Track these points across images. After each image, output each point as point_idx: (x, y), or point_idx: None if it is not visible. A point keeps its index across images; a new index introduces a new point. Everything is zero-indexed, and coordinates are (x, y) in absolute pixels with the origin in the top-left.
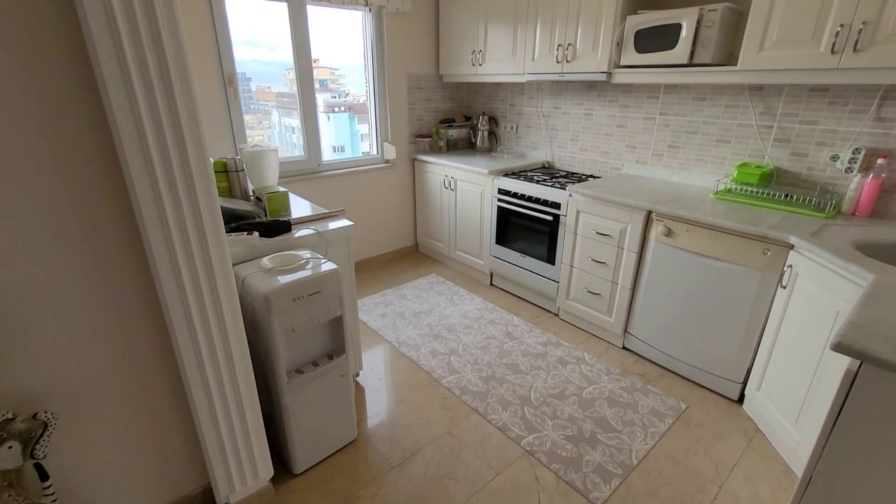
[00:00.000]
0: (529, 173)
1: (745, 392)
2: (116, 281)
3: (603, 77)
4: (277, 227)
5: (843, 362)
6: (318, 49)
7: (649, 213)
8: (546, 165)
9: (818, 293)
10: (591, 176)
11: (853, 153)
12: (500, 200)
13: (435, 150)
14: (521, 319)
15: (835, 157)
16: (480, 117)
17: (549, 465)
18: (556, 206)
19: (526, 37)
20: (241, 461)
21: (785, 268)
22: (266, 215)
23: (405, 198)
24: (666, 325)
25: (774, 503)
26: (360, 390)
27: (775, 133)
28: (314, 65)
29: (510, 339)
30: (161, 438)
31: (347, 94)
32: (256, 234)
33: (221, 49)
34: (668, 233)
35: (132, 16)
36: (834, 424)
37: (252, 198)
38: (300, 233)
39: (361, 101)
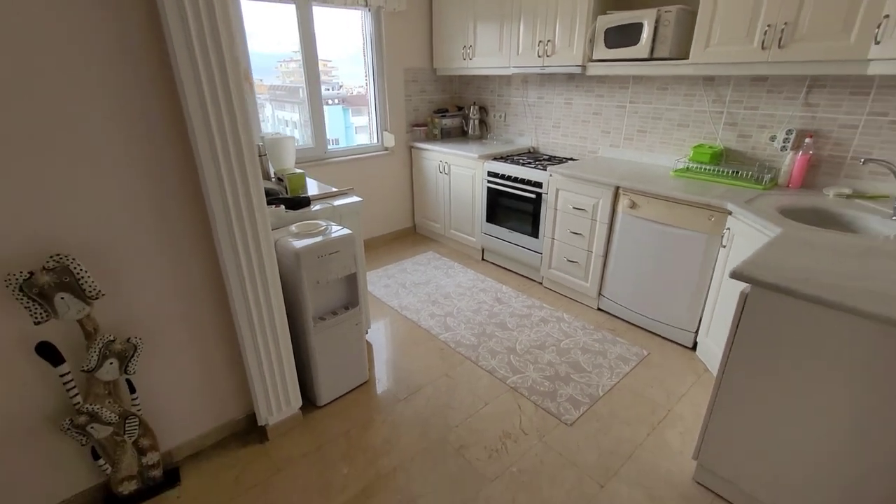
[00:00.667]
0: (516, 157)
1: (698, 339)
2: (182, 238)
3: (579, 70)
4: (300, 201)
5: None
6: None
7: (617, 188)
8: (531, 150)
9: (747, 248)
10: (571, 159)
11: (787, 134)
12: (489, 182)
13: (430, 137)
14: (509, 288)
15: (773, 138)
16: (472, 107)
17: (529, 396)
18: (539, 185)
19: (511, 33)
20: (278, 391)
21: (724, 230)
22: (287, 193)
23: (404, 182)
24: (633, 286)
25: None
26: (369, 346)
27: (725, 118)
28: None
29: (499, 304)
30: (215, 369)
31: (341, 87)
32: (283, 206)
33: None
34: (633, 205)
35: (202, 34)
36: (735, 332)
37: (273, 179)
38: (317, 206)
39: (355, 93)
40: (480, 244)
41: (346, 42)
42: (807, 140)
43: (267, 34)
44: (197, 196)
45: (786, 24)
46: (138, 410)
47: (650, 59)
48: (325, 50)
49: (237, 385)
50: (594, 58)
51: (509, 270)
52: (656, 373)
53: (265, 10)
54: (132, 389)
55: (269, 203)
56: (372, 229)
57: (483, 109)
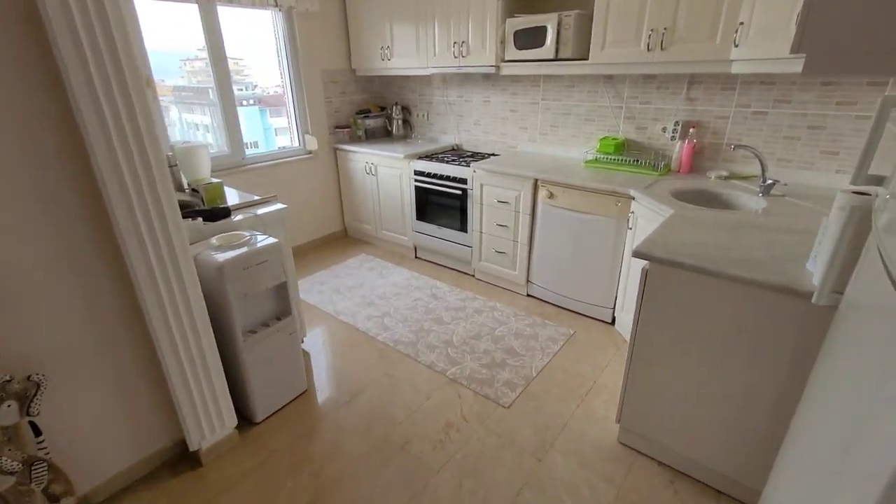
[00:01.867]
0: (441, 155)
1: (616, 315)
2: (91, 262)
3: (493, 70)
4: (218, 212)
5: None
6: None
7: (536, 180)
8: (455, 148)
9: (648, 229)
10: (493, 154)
11: (675, 125)
12: (416, 181)
13: (354, 139)
14: (443, 283)
15: (664, 129)
16: (394, 107)
17: (468, 385)
18: (464, 181)
19: (427, 35)
20: (210, 412)
21: (629, 214)
22: (204, 204)
23: (330, 186)
24: (556, 271)
25: None
26: (306, 354)
27: (624, 112)
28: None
29: (434, 300)
30: (137, 397)
31: (255, 87)
32: (200, 219)
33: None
34: (551, 196)
35: (93, 35)
36: (641, 303)
37: (188, 190)
38: (239, 216)
39: (271, 92)
40: (412, 242)
41: (259, 39)
42: (691, 130)
43: (166, 30)
44: (104, 216)
45: (665, 28)
46: (46, 454)
47: (556, 59)
48: (235, 47)
49: (164, 412)
50: (506, 58)
51: (442, 266)
52: (582, 349)
53: (164, 8)
54: (37, 432)
55: (184, 216)
56: (301, 235)
57: (406, 109)
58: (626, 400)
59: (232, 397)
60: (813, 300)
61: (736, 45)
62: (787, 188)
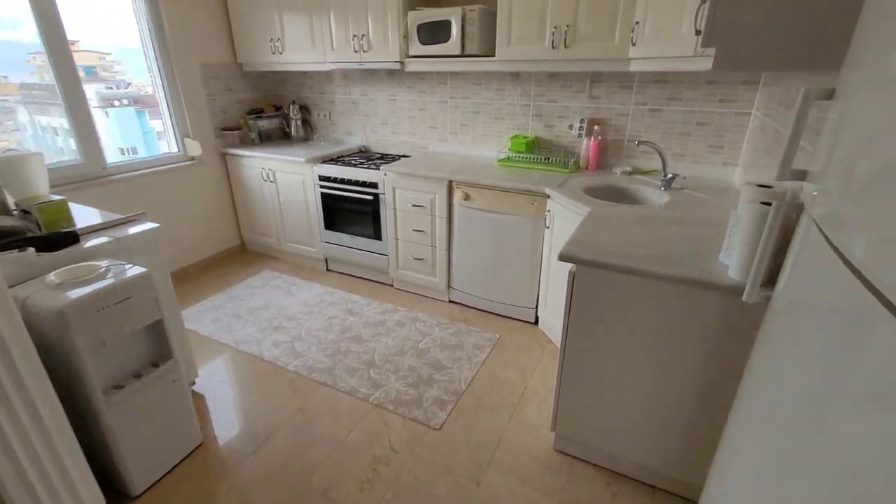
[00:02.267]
0: (347, 158)
1: (539, 314)
2: None
3: (398, 66)
4: (59, 239)
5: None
6: (78, 29)
7: (450, 182)
8: (362, 149)
9: (565, 227)
10: (404, 156)
11: (580, 123)
12: (322, 187)
13: (247, 142)
14: (360, 296)
15: (570, 127)
16: (291, 106)
17: (395, 410)
18: (374, 185)
19: (322, 27)
20: (61, 501)
21: (546, 212)
22: (40, 229)
23: (221, 195)
24: (477, 274)
25: None
26: (199, 398)
27: (532, 110)
28: (73, 48)
29: (351, 316)
30: None
31: (129, 85)
32: (32, 249)
33: None
34: (467, 197)
35: None
36: (570, 307)
37: (16, 212)
38: (92, 242)
39: (150, 91)
40: (323, 254)
41: (123, 29)
42: (596, 127)
43: (3, 14)
44: None
45: (568, 26)
46: None
47: (462, 55)
48: (98, 38)
49: None
50: (411, 54)
51: (358, 277)
52: (509, 353)
53: None
54: None
55: (8, 247)
56: (187, 255)
57: (305, 109)
58: (559, 407)
59: (99, 471)
60: (744, 298)
61: (633, 45)
62: (685, 181)
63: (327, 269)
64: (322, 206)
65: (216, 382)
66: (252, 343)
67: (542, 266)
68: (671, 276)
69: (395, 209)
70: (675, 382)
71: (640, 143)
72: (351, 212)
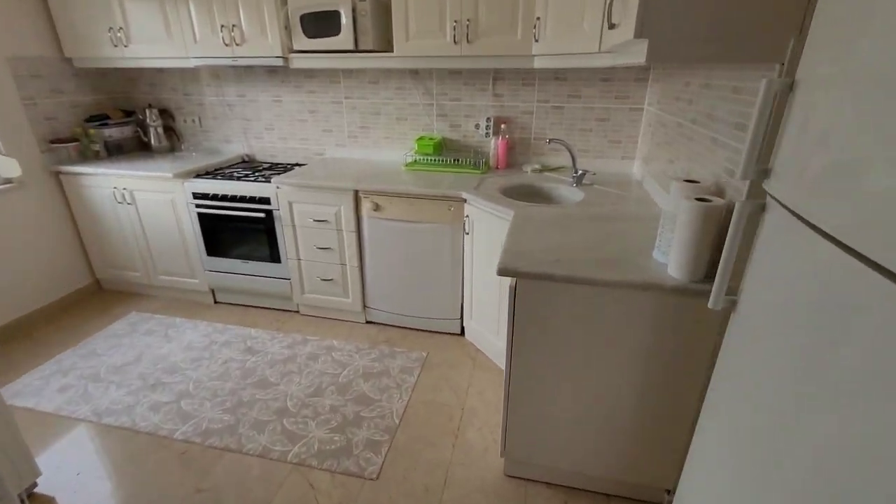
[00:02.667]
0: (228, 170)
1: (464, 324)
2: None
3: (281, 62)
4: None
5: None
6: None
7: (356, 191)
8: (246, 159)
9: (487, 232)
10: (297, 164)
11: (487, 121)
12: (199, 207)
13: (89, 156)
14: (260, 329)
15: (477, 126)
16: (148, 111)
17: (320, 465)
18: (266, 201)
19: (179, 14)
20: None
21: (465, 218)
22: None
23: (58, 224)
24: (395, 290)
25: (497, 399)
26: (47, 502)
27: (436, 109)
28: None
29: (252, 355)
30: None
31: None
32: None
33: None
34: (376, 207)
35: None
36: (513, 324)
37: None
38: None
39: None
40: (207, 284)
41: None
42: (502, 126)
43: None
44: None
45: (469, 20)
46: None
47: (357, 51)
48: None
49: None
50: (296, 48)
51: (255, 307)
52: (440, 372)
53: None
54: None
55: None
56: (14, 306)
57: (167, 113)
58: (508, 430)
59: None
60: (710, 305)
61: (537, 40)
62: (595, 177)
63: (215, 302)
64: (201, 229)
65: (70, 476)
66: (121, 412)
67: (465, 274)
68: (619, 281)
69: (293, 226)
70: (624, 386)
71: (550, 140)
72: (239, 233)
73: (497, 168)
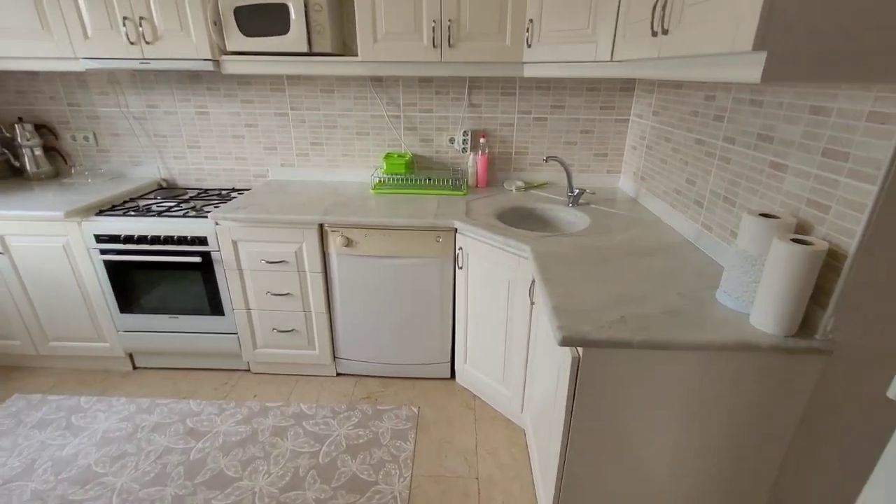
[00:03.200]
0: (142, 202)
1: (455, 367)
2: None
3: (210, 66)
4: None
5: (525, 320)
6: None
7: (321, 225)
8: (164, 185)
9: (485, 265)
10: (234, 190)
11: (464, 135)
12: (105, 252)
13: None
14: (203, 400)
15: (452, 140)
16: (18, 127)
17: None
18: (201, 240)
19: (60, 1)
20: None
21: (457, 250)
22: None
23: None
24: (372, 336)
25: (513, 460)
26: None
27: (404, 122)
28: None
29: (196, 440)
30: None
31: None
32: None
33: None
34: (348, 243)
35: None
36: (573, 404)
37: None
38: None
39: None
40: (123, 348)
41: None
42: (482, 140)
43: None
44: None
45: (450, 20)
46: None
47: (312, 54)
48: None
49: None
50: (230, 49)
51: (193, 370)
52: (439, 432)
53: None
54: None
55: None
56: None
57: (46, 129)
58: None
59: None
60: (890, 394)
61: (529, 46)
62: (593, 196)
63: (134, 368)
64: (110, 281)
65: None
66: None
67: (457, 313)
68: (710, 343)
69: (239, 270)
70: (703, 456)
71: (548, 158)
72: (165, 281)
73: (476, 187)
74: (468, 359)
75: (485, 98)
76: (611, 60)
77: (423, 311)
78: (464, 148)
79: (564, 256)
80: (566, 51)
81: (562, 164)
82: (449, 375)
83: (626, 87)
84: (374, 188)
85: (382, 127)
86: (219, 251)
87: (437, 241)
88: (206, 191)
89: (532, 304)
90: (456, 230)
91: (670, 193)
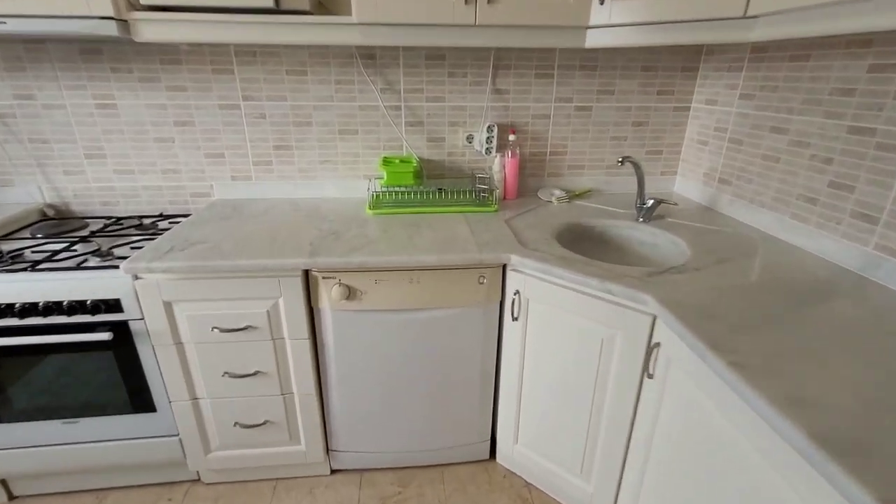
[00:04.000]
0: (7, 245)
1: (496, 446)
2: None
3: (113, 29)
4: None
5: (629, 395)
6: None
7: (307, 271)
8: (50, 215)
9: (568, 321)
10: (163, 217)
11: (489, 132)
12: None
13: None
14: None
15: (470, 138)
16: None
17: None
18: (112, 306)
19: None
20: None
21: (513, 296)
22: None
23: None
24: (381, 418)
25: None
26: None
27: (406, 115)
28: None
29: None
30: None
31: None
32: None
33: None
34: (350, 294)
35: None
36: None
37: None
38: None
39: None
40: None
41: None
42: (511, 137)
43: None
44: None
45: None
46: None
47: (277, 11)
48: None
49: None
50: (145, 3)
51: (111, 489)
52: None
53: None
54: None
55: None
56: None
57: None
58: None
59: None
60: None
61: (602, 2)
62: (672, 209)
63: (11, 499)
64: None
65: None
66: None
67: (504, 377)
68: None
69: (179, 343)
70: None
71: (624, 160)
72: (55, 372)
73: (505, 199)
74: (520, 438)
75: (513, 82)
76: (744, 16)
77: (456, 379)
78: (487, 148)
79: (705, 309)
80: (665, 4)
81: (636, 166)
82: (487, 456)
83: (689, 66)
84: (372, 207)
85: (376, 122)
86: (142, 319)
87: (481, 283)
88: (117, 220)
89: (650, 377)
90: (504, 265)
91: (789, 201)
